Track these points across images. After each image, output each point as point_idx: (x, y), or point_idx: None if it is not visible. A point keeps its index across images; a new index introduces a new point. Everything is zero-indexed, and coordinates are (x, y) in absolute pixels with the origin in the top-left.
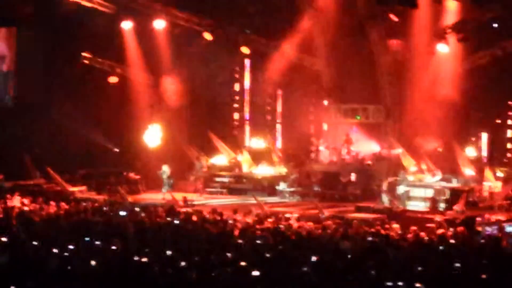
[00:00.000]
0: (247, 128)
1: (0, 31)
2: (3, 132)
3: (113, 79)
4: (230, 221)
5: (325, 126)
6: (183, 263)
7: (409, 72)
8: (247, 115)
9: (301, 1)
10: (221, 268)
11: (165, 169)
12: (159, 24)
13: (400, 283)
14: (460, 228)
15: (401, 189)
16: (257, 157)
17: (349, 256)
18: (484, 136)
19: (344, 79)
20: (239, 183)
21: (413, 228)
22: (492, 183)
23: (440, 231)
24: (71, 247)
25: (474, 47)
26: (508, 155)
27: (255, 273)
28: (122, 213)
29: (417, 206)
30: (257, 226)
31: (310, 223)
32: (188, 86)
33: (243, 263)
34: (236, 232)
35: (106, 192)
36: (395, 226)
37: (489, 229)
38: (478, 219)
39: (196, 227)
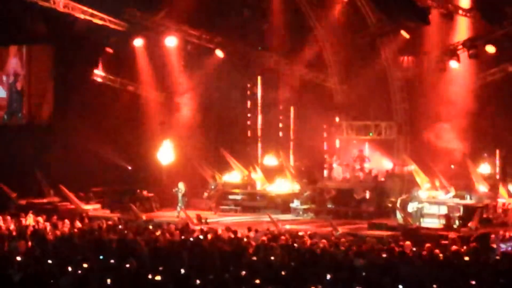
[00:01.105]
0: (260, 145)
1: (11, 49)
2: (17, 150)
3: (125, 97)
4: (244, 239)
5: (338, 143)
6: (197, 281)
7: (421, 88)
8: (259, 132)
9: (313, 19)
10: (236, 285)
11: (181, 187)
12: (171, 41)
13: None
14: (474, 245)
15: (412, 206)
16: (270, 174)
17: (363, 273)
18: (498, 153)
19: (356, 96)
20: (253, 200)
21: (428, 245)
22: (506, 200)
23: (454, 248)
24: (85, 265)
25: (486, 63)
26: None
27: None
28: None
29: (431, 223)
30: (271, 244)
31: (324, 241)
32: (200, 103)
33: (257, 281)
34: (250, 250)
35: (119, 210)
36: (407, 243)
37: (503, 246)
38: (493, 236)
39: (210, 245)
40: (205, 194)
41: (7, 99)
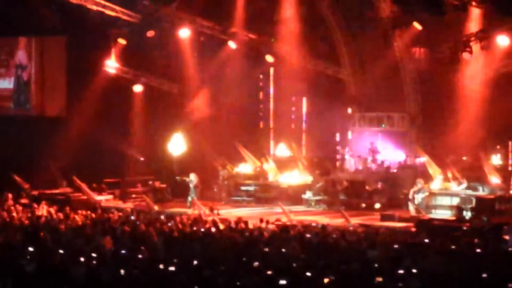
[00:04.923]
0: (272, 137)
1: (20, 40)
2: (30, 142)
3: (138, 88)
4: (256, 230)
5: (350, 134)
6: (209, 272)
7: (434, 79)
8: (272, 123)
9: (325, 10)
10: (248, 277)
11: (193, 178)
12: (184, 33)
13: None
14: (486, 237)
15: (418, 198)
16: (283, 165)
17: (376, 265)
18: (510, 144)
19: (368, 87)
20: (265, 191)
21: (440, 236)
22: None
23: (466, 239)
24: (97, 256)
25: (499, 55)
26: None
27: (282, 281)
28: None
29: (444, 214)
30: (284, 235)
31: (336, 232)
32: (212, 94)
33: (269, 272)
34: (263, 241)
35: (132, 201)
36: (422, 235)
37: None
38: (505, 227)
39: (222, 236)
40: (215, 187)
41: (14, 91)
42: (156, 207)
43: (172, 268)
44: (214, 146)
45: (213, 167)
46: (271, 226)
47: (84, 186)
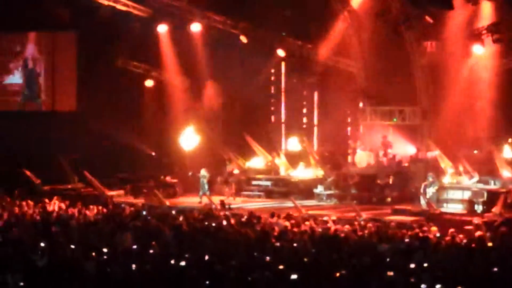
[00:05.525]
0: (284, 131)
1: (31, 35)
2: (40, 137)
3: (149, 83)
4: (267, 225)
5: (361, 128)
6: (221, 267)
7: (445, 73)
8: (283, 117)
9: (336, 4)
10: (260, 271)
11: (204, 173)
12: (195, 27)
13: (438, 286)
14: (498, 231)
15: (430, 192)
16: (294, 160)
17: (387, 259)
18: None
19: (380, 81)
20: (276, 186)
21: (451, 230)
22: None
23: (478, 233)
24: (109, 251)
25: (510, 47)
26: None
27: (294, 276)
28: None
29: (455, 208)
30: (295, 230)
31: (347, 226)
32: (224, 89)
33: (281, 267)
34: (274, 236)
35: (143, 196)
36: (434, 228)
37: None
38: None
39: (234, 230)
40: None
41: (24, 85)
42: (167, 202)
43: (183, 263)
44: (226, 141)
45: (224, 162)
46: (282, 221)
47: (95, 181)
